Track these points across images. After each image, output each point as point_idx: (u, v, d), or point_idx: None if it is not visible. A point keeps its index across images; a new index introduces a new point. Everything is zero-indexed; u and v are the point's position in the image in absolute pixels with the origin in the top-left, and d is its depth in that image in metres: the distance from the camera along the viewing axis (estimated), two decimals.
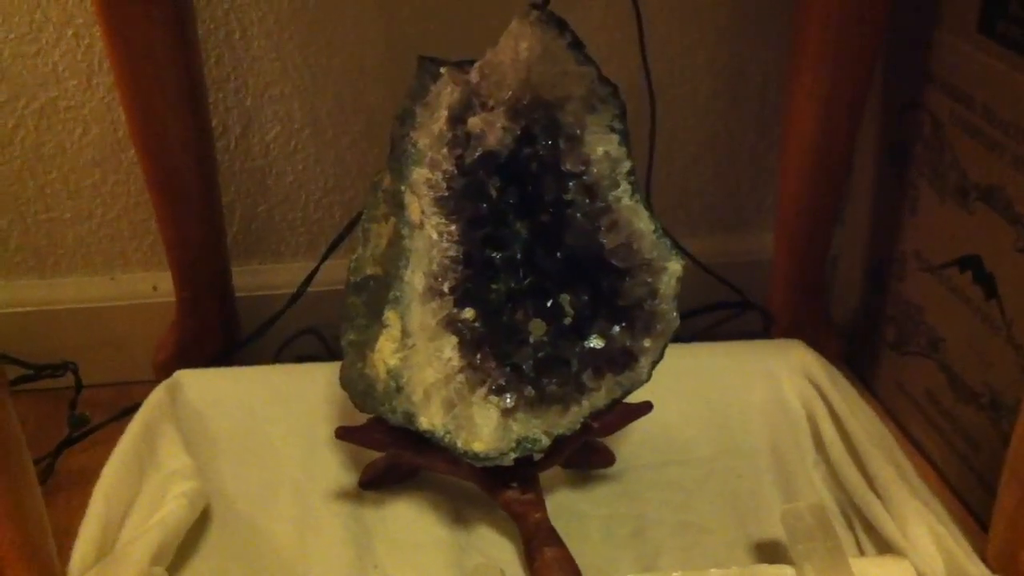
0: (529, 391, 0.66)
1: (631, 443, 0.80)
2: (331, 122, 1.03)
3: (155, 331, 1.03)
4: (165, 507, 0.67)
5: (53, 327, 1.04)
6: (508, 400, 0.66)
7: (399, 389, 0.67)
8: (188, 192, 0.94)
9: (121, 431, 0.80)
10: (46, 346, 1.02)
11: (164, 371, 1.00)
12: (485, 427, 0.65)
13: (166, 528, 0.65)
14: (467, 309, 0.66)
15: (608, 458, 0.78)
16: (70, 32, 0.96)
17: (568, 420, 0.67)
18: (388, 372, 0.67)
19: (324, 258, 1.00)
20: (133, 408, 1.00)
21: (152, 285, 1.07)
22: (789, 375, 0.84)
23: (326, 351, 1.09)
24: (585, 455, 0.77)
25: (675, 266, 0.67)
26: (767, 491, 0.77)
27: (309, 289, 1.01)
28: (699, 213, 1.11)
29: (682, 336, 0.70)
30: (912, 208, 0.94)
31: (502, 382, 0.66)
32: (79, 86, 0.98)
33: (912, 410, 0.93)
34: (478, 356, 0.66)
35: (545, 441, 0.67)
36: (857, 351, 1.04)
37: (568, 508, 0.75)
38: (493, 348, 0.66)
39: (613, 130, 0.66)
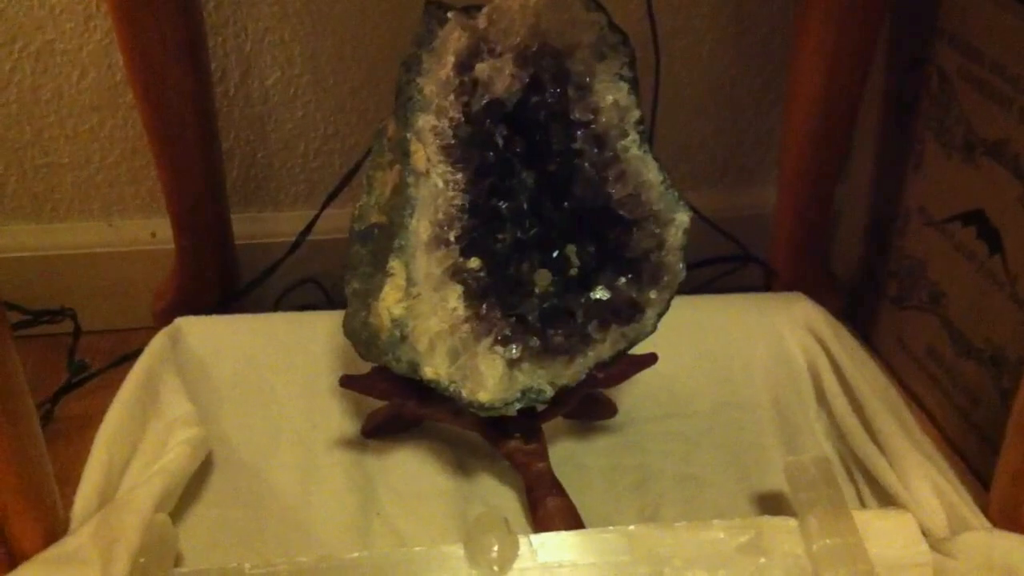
0: (534, 342, 0.66)
1: (634, 395, 0.79)
2: (331, 68, 1.01)
3: (153, 278, 1.03)
4: (168, 454, 0.67)
5: (51, 273, 1.04)
6: (514, 350, 0.65)
7: (403, 338, 0.66)
8: (187, 138, 0.93)
9: (120, 378, 0.80)
10: (43, 292, 1.02)
11: (163, 318, 0.99)
12: (490, 377, 0.65)
13: (169, 475, 0.65)
14: (473, 259, 0.66)
15: (610, 409, 0.78)
16: None
17: (573, 371, 0.67)
18: (392, 321, 0.66)
19: (324, 206, 0.99)
20: (132, 355, 1.00)
21: (151, 232, 1.06)
22: (792, 328, 0.84)
23: (326, 300, 1.09)
24: (588, 406, 0.77)
25: (683, 217, 0.66)
26: (769, 443, 0.77)
27: (309, 238, 1.00)
28: (702, 165, 1.10)
29: (683, 289, 0.69)
30: (917, 163, 0.94)
31: (507, 332, 0.65)
32: (76, 28, 0.97)
33: (912, 365, 0.93)
34: (484, 306, 0.65)
35: (549, 392, 0.67)
36: (858, 305, 1.04)
37: (571, 459, 0.75)
38: (499, 298, 0.66)
39: (622, 78, 0.66)
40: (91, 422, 0.74)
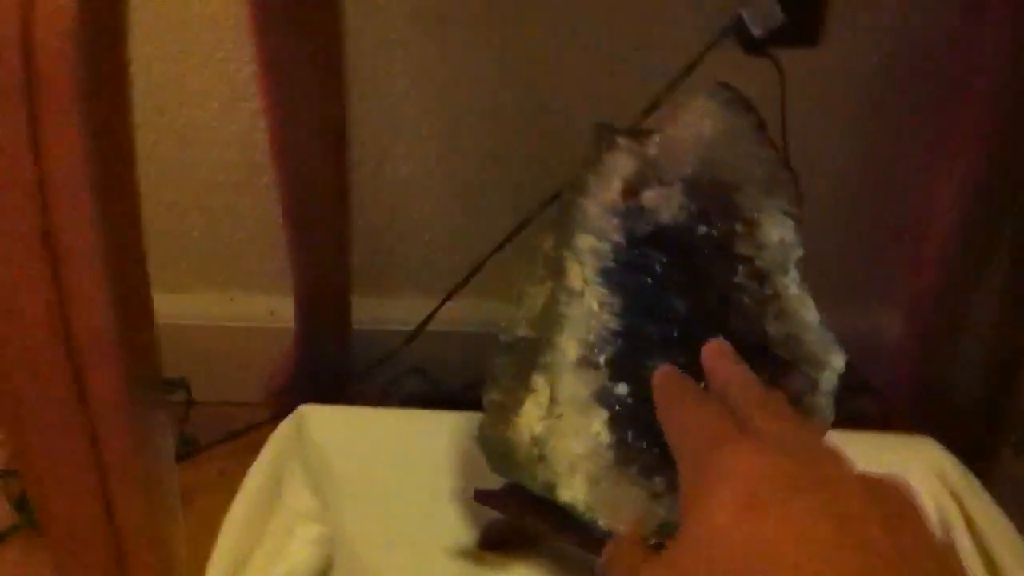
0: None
1: None
2: (463, 168, 1.02)
3: (267, 355, 1.04)
4: (296, 555, 0.67)
5: (169, 342, 1.05)
6: (657, 483, 0.64)
7: (541, 457, 0.65)
8: (321, 225, 0.95)
9: (226, 453, 0.80)
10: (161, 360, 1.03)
11: (276, 399, 1.00)
12: (630, 509, 0.64)
13: None
14: (621, 384, 0.65)
15: None
16: (218, 56, 0.97)
17: None
18: (532, 438, 0.66)
19: (445, 300, 0.99)
20: (240, 432, 1.01)
21: (270, 310, 1.07)
22: (922, 477, 0.81)
23: (431, 390, 1.09)
24: None
25: (838, 361, 0.65)
26: None
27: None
28: (816, 280, 1.09)
29: None
30: None
31: (651, 463, 0.64)
32: (221, 108, 0.99)
33: None
34: (629, 433, 0.64)
35: None
36: (974, 447, 1.01)
37: None
38: (645, 427, 0.65)
39: (788, 215, 0.65)
40: (194, 496, 0.74)
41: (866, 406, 1.04)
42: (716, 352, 0.57)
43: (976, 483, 0.80)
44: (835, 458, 0.48)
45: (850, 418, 0.98)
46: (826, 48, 0.95)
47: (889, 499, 0.43)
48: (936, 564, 0.41)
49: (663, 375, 0.57)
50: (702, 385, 0.66)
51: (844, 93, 0.98)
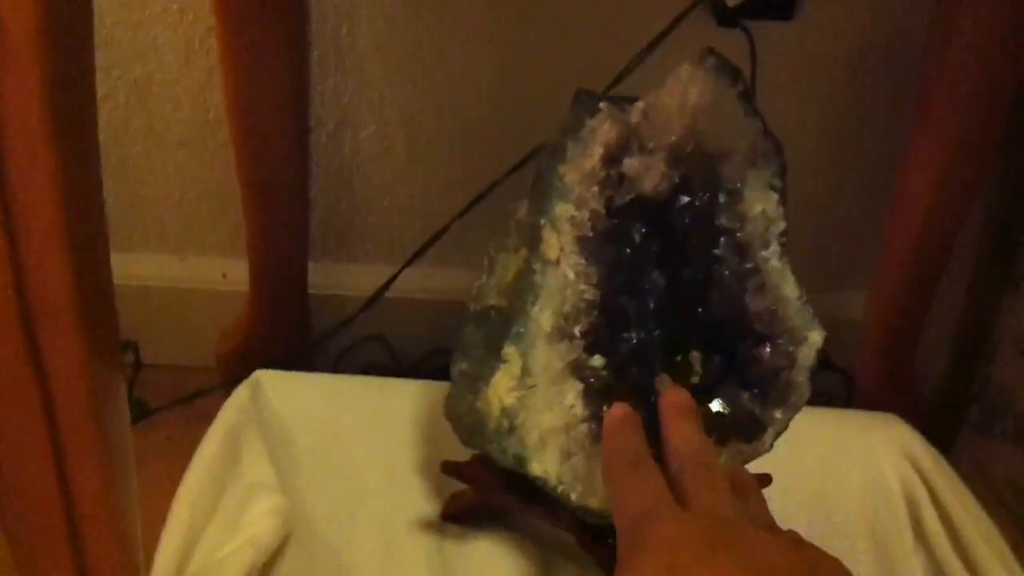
0: (652, 451, 0.63)
1: None
2: (426, 133, 1.00)
3: (220, 318, 1.01)
4: (255, 525, 0.64)
5: (118, 303, 1.01)
6: None
7: (512, 429, 0.63)
8: (279, 188, 0.92)
9: (175, 418, 0.77)
10: None
11: (227, 362, 0.97)
12: (602, 483, 0.62)
13: (257, 549, 0.62)
14: (596, 356, 0.63)
15: None
16: (175, 7, 0.93)
17: None
18: (502, 410, 0.64)
19: (404, 266, 0.97)
20: (190, 396, 0.98)
21: (222, 272, 1.04)
22: (888, 453, 0.81)
23: (390, 358, 1.07)
24: None
25: (817, 337, 0.63)
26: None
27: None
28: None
29: None
30: (1015, 290, 0.92)
31: None
32: (176, 63, 0.95)
33: (991, 497, 0.90)
34: (604, 407, 0.62)
35: None
36: (936, 427, 1.01)
37: None
38: (620, 400, 0.63)
39: (772, 188, 0.63)
40: (142, 461, 0.71)
41: (831, 385, 1.03)
42: (675, 409, 0.57)
43: (942, 460, 0.80)
44: (766, 523, 0.49)
45: (815, 394, 0.98)
46: (800, 22, 0.94)
47: (815, 556, 0.45)
48: None
49: (614, 424, 0.57)
50: (678, 358, 0.64)
51: (817, 68, 0.97)
